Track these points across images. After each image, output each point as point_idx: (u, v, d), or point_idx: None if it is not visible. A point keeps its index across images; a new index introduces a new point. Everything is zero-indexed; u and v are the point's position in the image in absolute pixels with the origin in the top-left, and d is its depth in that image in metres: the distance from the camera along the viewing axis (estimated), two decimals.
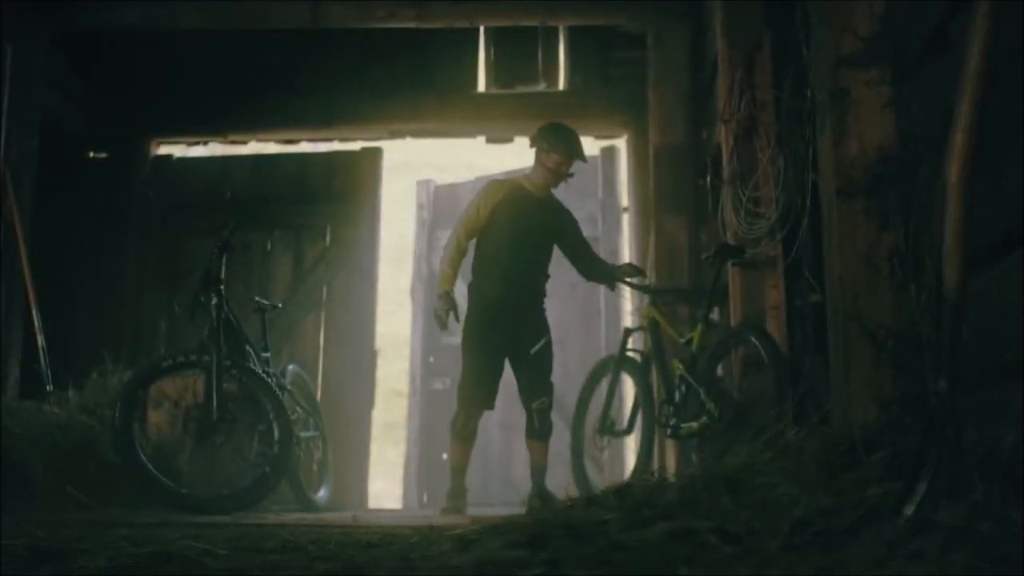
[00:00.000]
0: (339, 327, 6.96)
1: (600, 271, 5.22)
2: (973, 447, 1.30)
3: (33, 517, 3.35)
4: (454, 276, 5.05)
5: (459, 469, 5.07)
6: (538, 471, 4.99)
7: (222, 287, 4.68)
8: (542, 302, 5.10)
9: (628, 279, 5.17)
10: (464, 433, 5.02)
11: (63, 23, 6.16)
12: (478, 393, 4.95)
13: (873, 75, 2.66)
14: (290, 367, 5.47)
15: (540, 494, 4.82)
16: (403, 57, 7.11)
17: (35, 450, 4.46)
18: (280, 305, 5.79)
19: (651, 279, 5.78)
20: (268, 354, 5.15)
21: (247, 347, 4.88)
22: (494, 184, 5.21)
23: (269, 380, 4.67)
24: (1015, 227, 1.68)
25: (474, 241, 5.10)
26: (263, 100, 7.07)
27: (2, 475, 4.13)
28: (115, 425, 4.25)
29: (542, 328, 5.03)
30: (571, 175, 5.05)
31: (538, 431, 4.95)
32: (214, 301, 4.61)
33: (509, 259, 4.99)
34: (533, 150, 5.04)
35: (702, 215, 5.53)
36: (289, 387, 5.24)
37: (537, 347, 4.97)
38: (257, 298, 5.43)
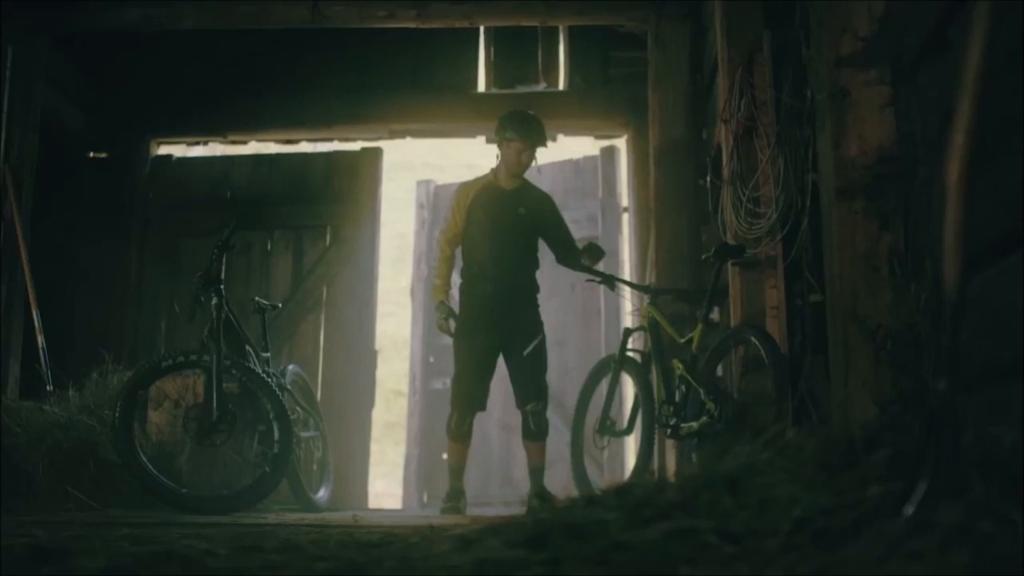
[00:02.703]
0: (339, 327, 6.96)
1: (571, 257, 5.18)
2: (973, 447, 1.30)
3: (33, 517, 3.35)
4: (444, 285, 5.10)
5: (457, 469, 5.07)
6: (536, 471, 4.99)
7: (222, 287, 4.68)
8: (533, 298, 5.07)
9: (590, 261, 5.09)
10: (458, 433, 5.02)
11: (63, 23, 6.16)
12: (469, 394, 4.96)
13: (872, 75, 2.66)
14: (290, 367, 5.47)
15: (540, 494, 4.82)
16: (403, 57, 7.11)
17: (35, 450, 4.46)
18: (280, 305, 5.78)
19: (651, 279, 5.78)
20: (268, 354, 5.16)
21: (247, 347, 4.89)
22: (463, 187, 5.23)
23: (269, 380, 4.67)
24: (1015, 227, 1.68)
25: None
26: (263, 100, 7.08)
27: (2, 475, 4.13)
28: (115, 425, 4.25)
29: (534, 328, 5.01)
30: (534, 163, 5.09)
31: (534, 432, 4.96)
32: (214, 301, 4.61)
33: (491, 258, 5.00)
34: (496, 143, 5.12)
35: (702, 215, 5.53)
36: (289, 387, 5.24)
37: (529, 349, 4.95)
38: (257, 298, 5.43)
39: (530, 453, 5.04)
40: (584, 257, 5.08)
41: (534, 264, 5.11)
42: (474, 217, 5.07)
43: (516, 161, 5.05)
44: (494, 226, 5.04)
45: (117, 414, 4.24)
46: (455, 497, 5.01)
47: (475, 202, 5.10)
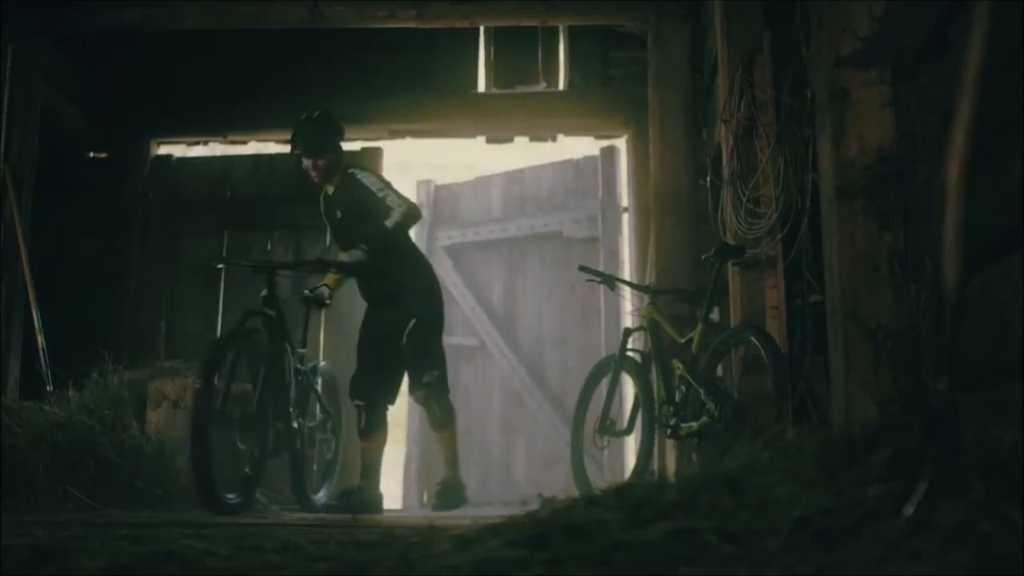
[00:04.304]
0: (340, 327, 6.96)
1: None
2: (973, 447, 1.30)
3: (33, 517, 3.35)
4: None
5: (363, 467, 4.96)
6: (447, 461, 4.90)
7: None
8: (403, 287, 4.88)
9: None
10: (359, 429, 4.93)
11: (63, 23, 6.17)
12: (356, 384, 4.91)
13: (872, 75, 2.66)
14: (321, 364, 5.41)
15: (447, 482, 4.79)
16: (403, 57, 7.11)
17: (35, 450, 4.46)
18: (328, 302, 5.31)
19: (651, 279, 5.78)
20: (304, 350, 5.04)
21: (286, 344, 4.77)
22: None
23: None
24: (1015, 227, 1.68)
25: None
26: (263, 100, 7.08)
27: (2, 475, 4.13)
28: (201, 384, 4.16)
29: (406, 316, 4.82)
30: (318, 166, 4.92)
31: (439, 419, 4.87)
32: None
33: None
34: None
35: (702, 215, 5.53)
36: (319, 386, 5.20)
37: (404, 338, 4.80)
38: (306, 291, 5.18)
39: (439, 442, 4.94)
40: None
41: (384, 257, 4.81)
42: None
43: (306, 169, 4.99)
44: (331, 233, 5.11)
45: (204, 372, 4.16)
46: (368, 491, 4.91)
47: (321, 208, 5.15)
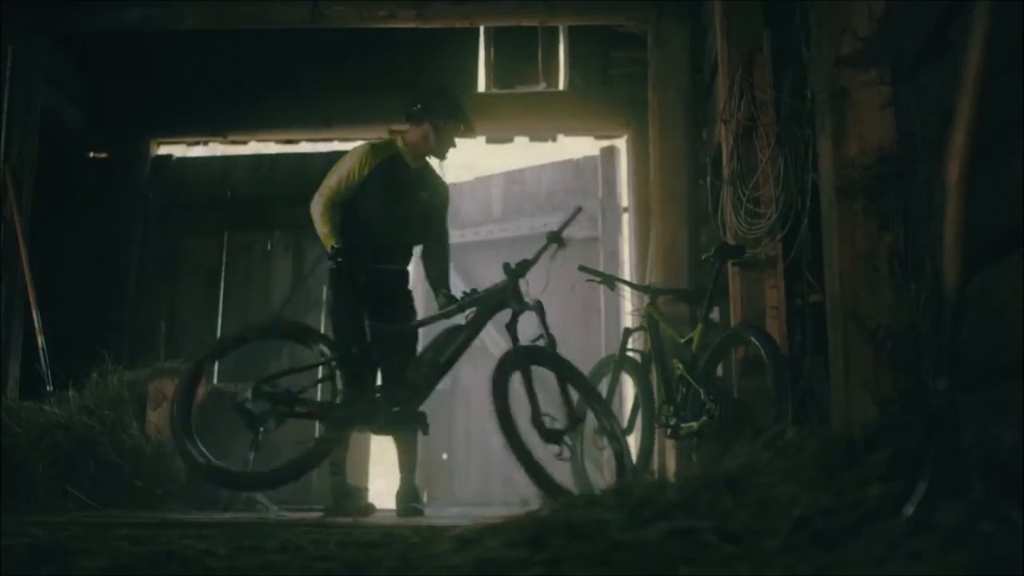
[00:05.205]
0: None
1: (437, 260, 4.84)
2: (973, 447, 1.30)
3: (33, 517, 3.35)
4: (336, 230, 4.59)
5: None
6: (412, 467, 4.76)
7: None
8: (407, 282, 4.78)
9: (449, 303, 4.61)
10: None
11: (63, 23, 6.17)
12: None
13: (872, 75, 2.66)
14: None
15: (410, 489, 4.71)
16: (403, 57, 7.11)
17: (35, 450, 4.46)
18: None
19: (651, 279, 5.78)
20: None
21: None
22: (370, 149, 4.72)
23: None
24: (1015, 227, 1.68)
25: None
26: (263, 100, 7.08)
27: (2, 475, 4.14)
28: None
29: (411, 311, 4.73)
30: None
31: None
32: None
33: (380, 234, 4.61)
34: (421, 117, 4.71)
35: (702, 215, 5.53)
36: None
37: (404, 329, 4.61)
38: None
39: (400, 449, 4.76)
40: (439, 296, 4.71)
41: (412, 251, 4.82)
42: (373, 184, 4.61)
43: (448, 142, 4.73)
44: (393, 202, 4.62)
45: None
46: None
47: (377, 169, 4.63)
